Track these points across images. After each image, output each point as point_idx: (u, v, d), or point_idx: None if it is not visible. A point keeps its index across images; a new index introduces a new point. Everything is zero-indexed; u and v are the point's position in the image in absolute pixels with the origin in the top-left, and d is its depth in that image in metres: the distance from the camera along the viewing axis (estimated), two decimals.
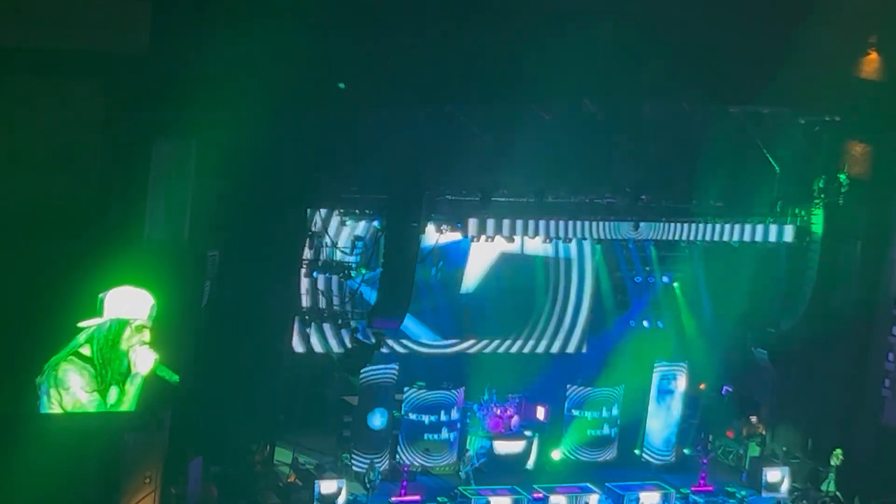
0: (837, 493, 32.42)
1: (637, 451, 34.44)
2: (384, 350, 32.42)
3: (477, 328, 35.20)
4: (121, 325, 24.57)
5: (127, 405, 24.81)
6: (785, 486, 33.02)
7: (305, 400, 32.89)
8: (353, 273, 31.92)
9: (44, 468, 24.85)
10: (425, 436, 32.45)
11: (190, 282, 26.73)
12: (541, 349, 35.87)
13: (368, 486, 30.33)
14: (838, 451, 32.64)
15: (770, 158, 32.68)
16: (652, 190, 32.22)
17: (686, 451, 34.41)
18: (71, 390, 24.57)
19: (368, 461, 31.06)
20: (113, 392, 24.80)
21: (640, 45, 27.78)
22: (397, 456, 32.15)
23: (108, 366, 24.63)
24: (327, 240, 31.81)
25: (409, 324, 33.36)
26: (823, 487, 32.65)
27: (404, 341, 34.11)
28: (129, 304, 24.54)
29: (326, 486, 29.74)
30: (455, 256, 34.39)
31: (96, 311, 24.34)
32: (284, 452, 31.23)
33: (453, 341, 35.01)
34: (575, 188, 31.73)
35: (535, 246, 34.47)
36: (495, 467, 32.79)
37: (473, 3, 26.98)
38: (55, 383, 24.52)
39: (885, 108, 31.31)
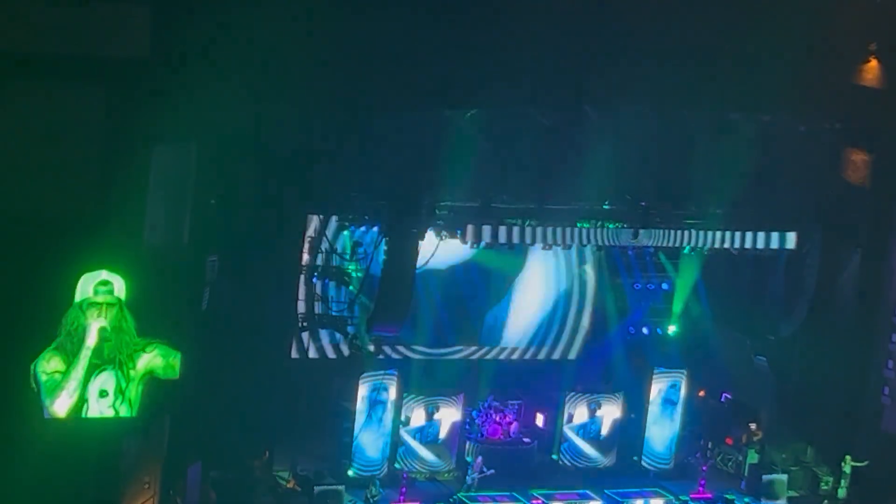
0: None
1: (636, 458, 34.35)
2: (383, 356, 32.37)
3: (476, 335, 35.13)
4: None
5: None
6: (784, 494, 33.01)
7: (304, 406, 32.80)
8: (352, 279, 31.89)
9: (42, 474, 24.89)
10: (424, 442, 32.39)
11: (189, 287, 26.77)
12: (541, 356, 35.79)
13: (371, 500, 30.26)
14: (848, 457, 32.63)
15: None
16: (652, 196, 32.19)
17: (688, 459, 34.34)
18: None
19: (369, 475, 31.03)
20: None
21: (642, 51, 27.80)
22: (396, 463, 32.08)
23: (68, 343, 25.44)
24: (327, 245, 31.79)
25: (408, 330, 33.30)
26: (841, 495, 32.66)
27: (403, 347, 34.02)
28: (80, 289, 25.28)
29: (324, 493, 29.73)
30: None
31: None
32: (283, 458, 31.13)
33: (453, 348, 34.93)
34: (575, 194, 31.69)
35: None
36: (494, 472, 32.80)
37: (474, 8, 27.00)
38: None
39: (884, 115, 31.33)
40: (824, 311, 33.61)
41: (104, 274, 25.31)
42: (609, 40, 27.59)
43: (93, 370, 25.60)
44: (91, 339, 25.42)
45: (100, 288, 25.29)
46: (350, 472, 31.30)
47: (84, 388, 25.53)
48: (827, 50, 29.64)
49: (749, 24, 28.79)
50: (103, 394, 25.69)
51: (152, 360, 25.92)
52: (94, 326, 25.43)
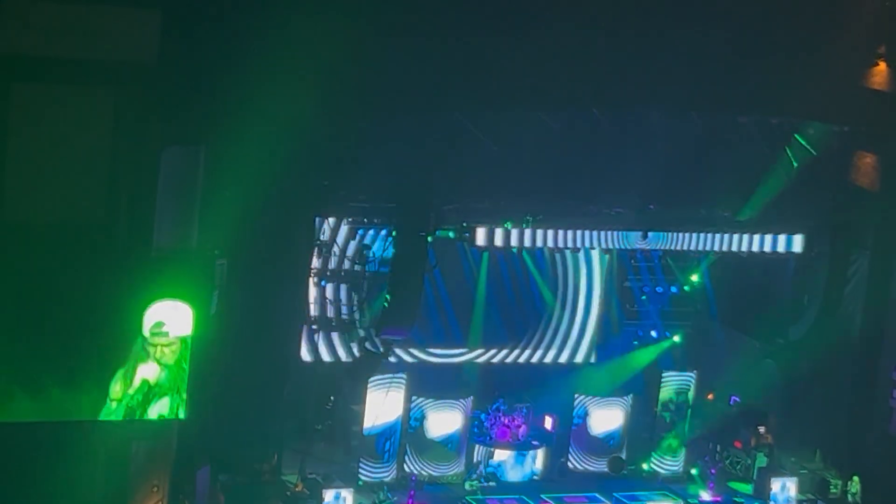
0: None
1: (645, 462, 34.33)
2: (392, 359, 32.38)
3: (485, 337, 35.12)
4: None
5: None
6: (793, 497, 32.97)
7: (313, 409, 32.81)
8: (361, 281, 31.91)
9: (52, 476, 24.97)
10: (433, 446, 32.40)
11: (198, 290, 26.81)
12: (549, 359, 35.78)
13: None
14: (856, 478, 32.63)
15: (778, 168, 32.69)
16: (660, 199, 32.21)
17: (693, 471, 34.25)
18: None
19: (378, 479, 31.06)
20: None
21: (649, 54, 27.81)
22: (405, 465, 32.08)
23: None
24: (336, 248, 31.80)
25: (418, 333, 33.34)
26: (850, 499, 32.68)
27: (413, 350, 34.04)
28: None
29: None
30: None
31: None
32: (292, 462, 31.14)
33: (462, 350, 34.93)
34: (583, 197, 31.71)
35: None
36: (503, 476, 32.83)
37: (481, 12, 27.02)
38: None
39: (893, 118, 31.31)
40: (832, 315, 33.60)
41: (161, 312, 25.70)
42: (620, 44, 27.59)
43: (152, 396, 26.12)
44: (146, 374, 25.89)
45: (155, 330, 25.76)
46: (359, 476, 31.34)
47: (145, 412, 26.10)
48: (836, 53, 29.61)
49: (757, 27, 28.79)
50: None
51: None
52: (146, 369, 25.85)
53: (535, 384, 35.03)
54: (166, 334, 25.76)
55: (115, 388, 25.65)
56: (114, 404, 25.63)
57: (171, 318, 25.79)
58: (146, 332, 25.64)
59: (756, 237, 33.18)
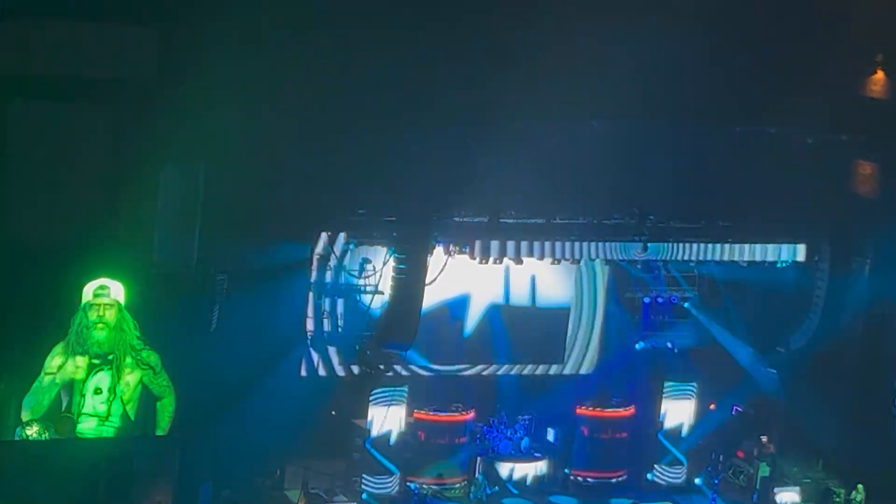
0: None
1: (648, 472, 34.31)
2: (393, 373, 32.35)
3: (486, 356, 35.10)
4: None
5: None
6: None
7: (315, 423, 32.77)
8: (361, 296, 31.93)
9: (56, 493, 24.99)
10: (436, 458, 32.37)
11: (198, 306, 26.84)
12: (551, 371, 35.73)
13: None
14: (860, 486, 32.59)
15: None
16: (660, 210, 32.20)
17: (697, 481, 34.22)
18: None
19: (381, 493, 31.04)
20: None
21: (650, 66, 27.84)
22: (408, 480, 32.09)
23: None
24: (335, 263, 31.79)
25: (415, 356, 33.33)
26: None
27: (413, 365, 33.97)
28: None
29: None
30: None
31: None
32: (294, 477, 31.12)
33: (463, 365, 34.86)
34: (583, 209, 31.72)
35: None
36: (505, 488, 32.79)
37: (483, 28, 27.08)
38: None
39: (892, 126, 31.34)
40: (833, 323, 33.59)
41: (103, 279, 25.97)
42: (620, 56, 27.63)
43: (91, 370, 26.21)
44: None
45: (98, 291, 26.02)
46: (362, 490, 31.32)
47: (83, 386, 26.21)
48: (834, 62, 29.66)
49: (756, 37, 28.84)
50: (98, 391, 26.30)
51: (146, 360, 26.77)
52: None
53: (538, 396, 35.00)
54: (108, 293, 26.12)
55: (53, 363, 26.15)
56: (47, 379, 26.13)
57: (109, 284, 26.24)
58: (89, 296, 26.03)
59: (757, 247, 33.14)
